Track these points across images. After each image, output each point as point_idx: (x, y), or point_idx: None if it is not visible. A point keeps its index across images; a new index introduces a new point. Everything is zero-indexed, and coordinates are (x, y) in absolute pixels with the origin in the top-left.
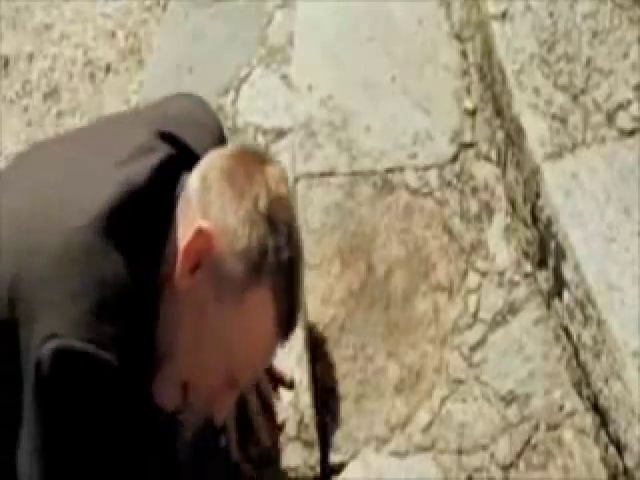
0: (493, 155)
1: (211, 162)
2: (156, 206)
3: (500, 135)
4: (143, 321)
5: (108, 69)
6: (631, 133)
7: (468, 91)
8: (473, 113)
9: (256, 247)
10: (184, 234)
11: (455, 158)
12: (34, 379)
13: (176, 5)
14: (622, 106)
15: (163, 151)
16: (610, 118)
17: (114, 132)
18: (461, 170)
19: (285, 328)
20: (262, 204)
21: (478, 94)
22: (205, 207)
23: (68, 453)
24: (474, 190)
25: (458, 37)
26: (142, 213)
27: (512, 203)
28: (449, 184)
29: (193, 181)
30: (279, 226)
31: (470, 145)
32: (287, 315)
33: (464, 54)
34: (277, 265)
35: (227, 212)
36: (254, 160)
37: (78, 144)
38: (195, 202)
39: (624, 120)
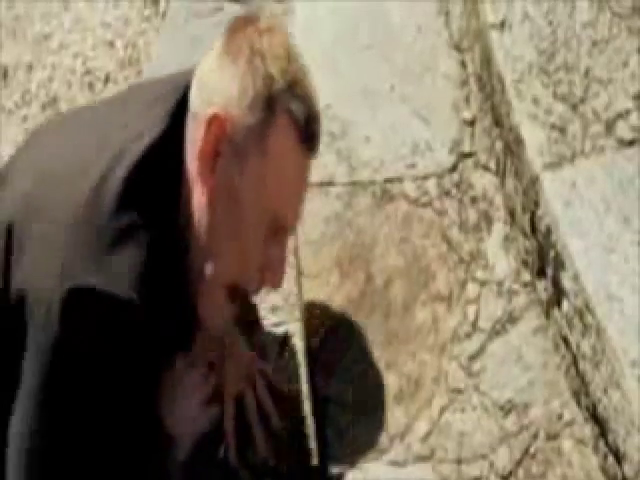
0: (492, 165)
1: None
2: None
3: (499, 145)
4: (168, 256)
5: (107, 79)
6: (630, 143)
7: (467, 101)
8: (472, 123)
9: (261, 89)
10: (195, 139)
11: (454, 168)
12: (44, 323)
13: (175, 14)
14: (621, 116)
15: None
16: (609, 128)
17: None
18: (460, 180)
19: (311, 141)
20: (256, 46)
21: (477, 104)
22: (205, 97)
23: (73, 411)
24: (473, 200)
25: (457, 47)
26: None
27: (511, 213)
28: (448, 194)
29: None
30: (275, 50)
31: (469, 155)
32: (309, 127)
33: (463, 64)
34: (286, 89)
35: (225, 83)
36: (236, 30)
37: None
38: (196, 103)
39: (623, 130)
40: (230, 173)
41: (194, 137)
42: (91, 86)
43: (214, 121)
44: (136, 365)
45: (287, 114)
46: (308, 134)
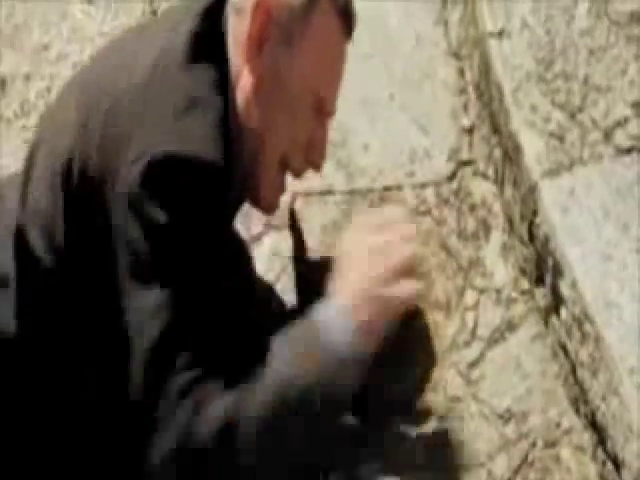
0: (490, 173)
1: None
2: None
3: (497, 153)
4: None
5: None
6: (628, 151)
7: (465, 109)
8: (470, 131)
9: None
10: (240, 31)
11: (453, 176)
12: (140, 195)
13: None
14: (619, 124)
15: None
16: (607, 136)
17: None
18: (459, 188)
19: (349, 23)
20: None
21: (475, 112)
22: None
23: (185, 275)
24: (471, 208)
25: (456, 55)
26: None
27: (509, 220)
28: (446, 202)
29: None
30: None
31: (468, 163)
32: (347, 8)
33: (461, 72)
34: None
35: None
36: None
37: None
38: None
39: (621, 137)
40: (276, 55)
41: (237, 29)
42: None
43: (260, 5)
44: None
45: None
46: (347, 15)
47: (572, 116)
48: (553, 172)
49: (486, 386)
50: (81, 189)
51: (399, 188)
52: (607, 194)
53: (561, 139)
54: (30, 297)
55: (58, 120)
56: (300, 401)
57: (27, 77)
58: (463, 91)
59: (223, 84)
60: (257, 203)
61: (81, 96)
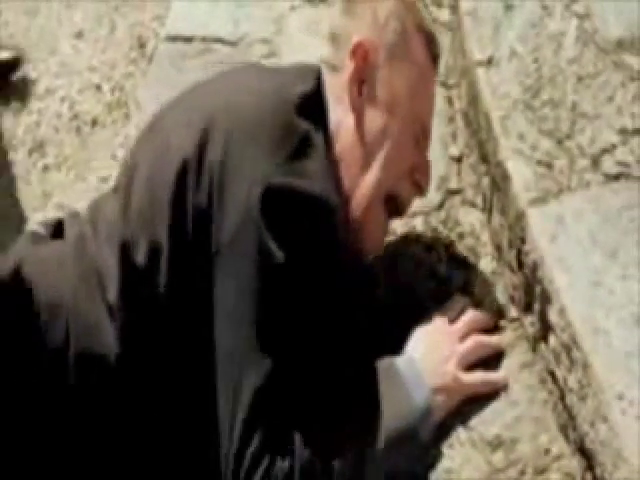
0: (479, 201)
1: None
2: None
3: (486, 181)
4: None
5: (94, 123)
6: (616, 177)
7: (454, 138)
8: (459, 160)
9: (391, 8)
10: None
11: (441, 205)
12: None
13: (162, 57)
14: (607, 150)
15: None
16: (595, 163)
17: None
18: (447, 217)
19: (435, 49)
20: None
21: (464, 140)
22: (341, 41)
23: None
24: (460, 236)
25: (444, 84)
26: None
27: (498, 248)
28: (435, 230)
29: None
30: None
31: (456, 192)
32: (434, 43)
33: (450, 101)
34: (409, 8)
35: (356, 19)
36: None
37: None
38: (332, 54)
39: (609, 164)
40: (376, 94)
41: (336, 85)
42: (78, 130)
43: (358, 49)
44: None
45: (418, 29)
46: (433, 43)
47: (560, 143)
48: (541, 200)
49: (475, 414)
50: (195, 198)
51: None
52: (595, 221)
53: (549, 166)
54: (134, 319)
55: (160, 141)
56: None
57: (15, 112)
58: (452, 120)
59: (326, 140)
60: (362, 244)
61: (193, 117)
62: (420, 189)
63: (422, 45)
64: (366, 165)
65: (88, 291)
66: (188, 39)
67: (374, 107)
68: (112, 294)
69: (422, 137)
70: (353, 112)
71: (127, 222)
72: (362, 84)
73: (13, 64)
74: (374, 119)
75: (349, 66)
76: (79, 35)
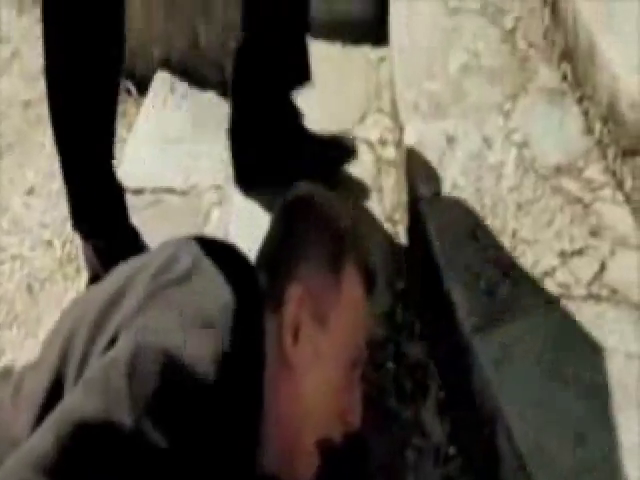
0: (425, 333)
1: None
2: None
3: (430, 313)
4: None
5: (45, 279)
6: (557, 300)
7: (399, 273)
8: (405, 294)
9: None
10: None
11: (388, 340)
12: None
13: None
14: (548, 273)
15: None
16: (536, 286)
17: None
18: (396, 351)
19: (371, 279)
20: None
21: (408, 275)
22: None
23: None
24: (408, 369)
25: (390, 219)
26: None
27: (445, 379)
28: (382, 366)
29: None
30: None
31: (402, 326)
32: (368, 267)
33: (395, 237)
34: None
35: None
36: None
37: None
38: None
39: (550, 287)
40: (311, 336)
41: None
42: (29, 287)
43: (293, 304)
44: None
45: (353, 265)
46: (370, 274)
47: (502, 270)
48: (484, 327)
49: None
50: None
51: None
52: (538, 345)
53: (491, 294)
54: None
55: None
56: None
57: None
58: (396, 255)
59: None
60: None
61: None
62: (350, 425)
63: (358, 277)
64: (297, 409)
65: None
66: (138, 191)
67: (309, 353)
68: None
69: (354, 368)
70: (291, 360)
71: None
72: (299, 329)
73: None
74: (307, 365)
75: (284, 313)
76: (31, 192)
